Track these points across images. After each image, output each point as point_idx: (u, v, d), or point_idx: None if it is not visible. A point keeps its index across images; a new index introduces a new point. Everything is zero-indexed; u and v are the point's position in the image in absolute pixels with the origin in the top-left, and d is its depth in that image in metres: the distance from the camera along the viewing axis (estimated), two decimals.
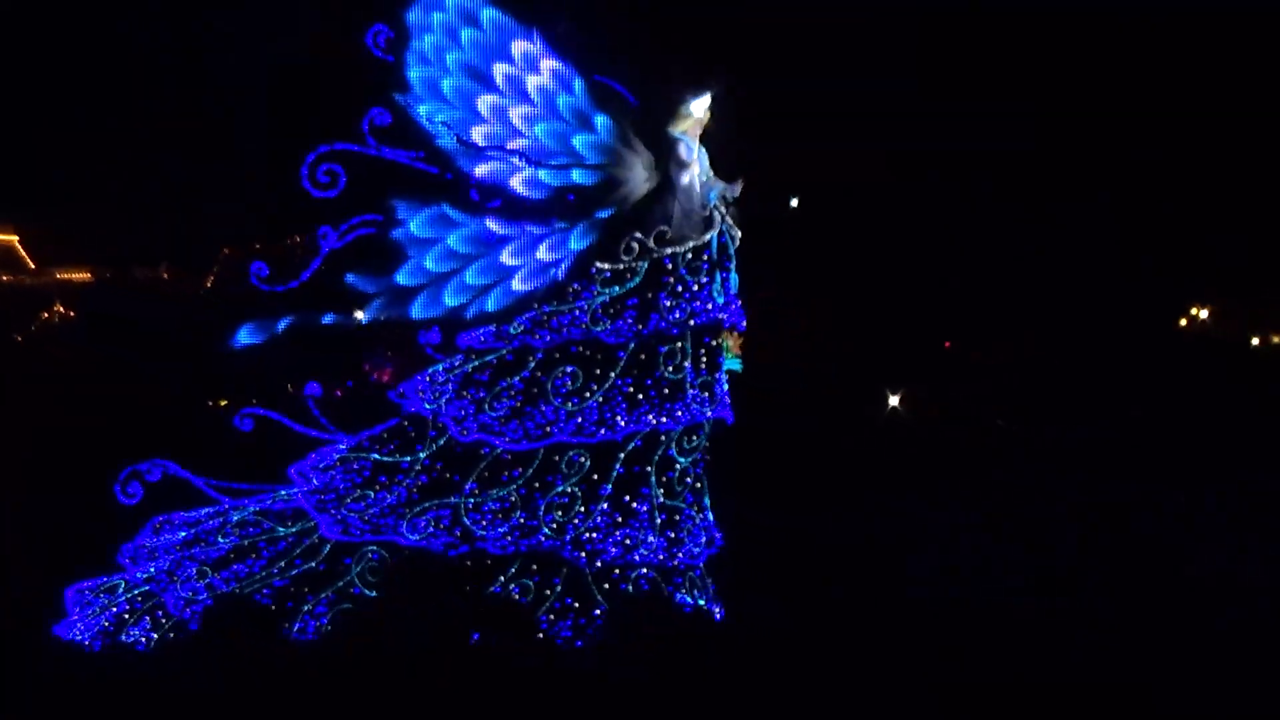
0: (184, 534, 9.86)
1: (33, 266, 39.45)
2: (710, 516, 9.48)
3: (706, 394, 9.17)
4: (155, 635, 9.59)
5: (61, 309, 34.93)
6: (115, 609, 9.71)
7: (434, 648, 8.83)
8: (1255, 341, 37.40)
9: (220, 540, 9.67)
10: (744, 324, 9.28)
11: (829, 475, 16.33)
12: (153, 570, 9.64)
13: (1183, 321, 36.61)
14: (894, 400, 24.61)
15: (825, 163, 24.57)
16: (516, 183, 9.09)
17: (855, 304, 26.22)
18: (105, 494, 10.07)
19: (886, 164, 26.35)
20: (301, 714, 8.52)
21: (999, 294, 27.65)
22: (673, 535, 9.15)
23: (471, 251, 9.15)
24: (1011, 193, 27.89)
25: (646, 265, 9.03)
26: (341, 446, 9.72)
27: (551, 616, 9.06)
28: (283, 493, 9.96)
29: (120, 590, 9.80)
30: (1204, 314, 37.99)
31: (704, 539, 9.38)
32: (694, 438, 9.26)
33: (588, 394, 8.99)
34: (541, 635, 9.00)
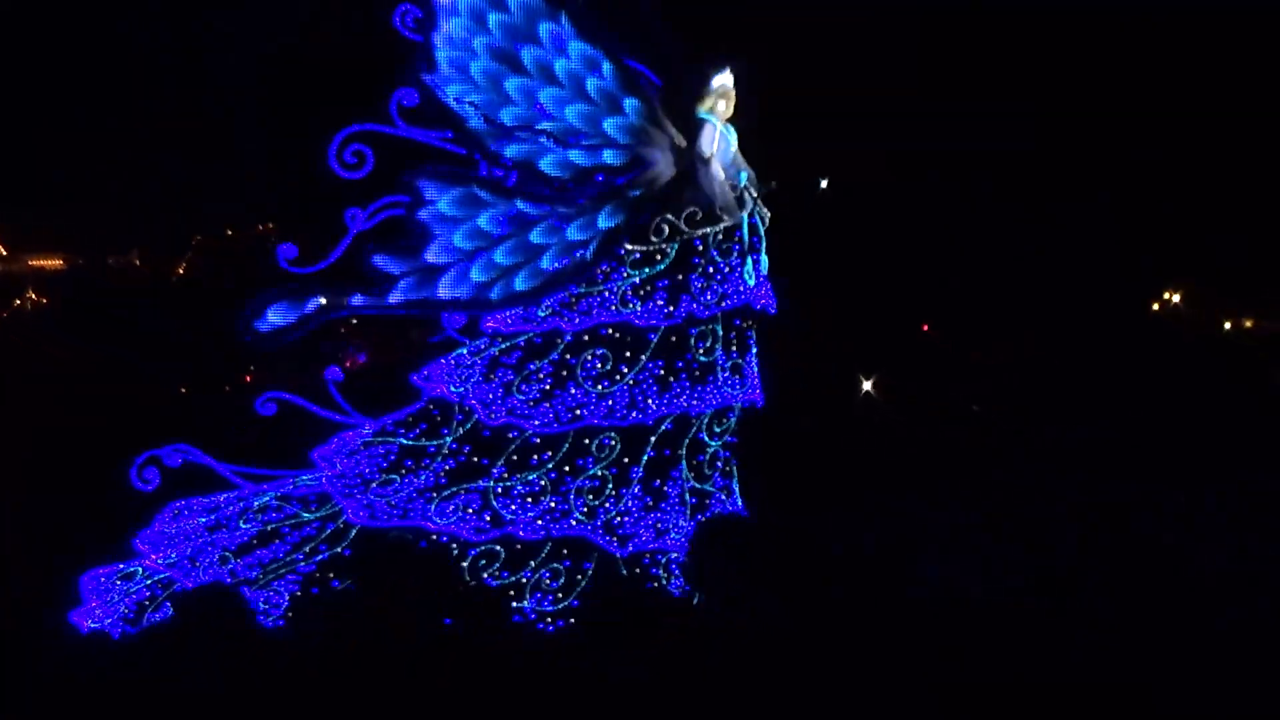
0: (203, 520, 9.75)
1: (4, 253, 39.05)
2: (739, 501, 9.42)
3: (737, 376, 9.10)
4: (177, 622, 9.47)
5: (34, 296, 34.68)
6: (135, 595, 9.59)
7: (433, 645, 8.75)
8: (1227, 325, 37.56)
9: (242, 525, 9.56)
10: (775, 307, 9.21)
11: (828, 475, 16.27)
12: (174, 556, 9.51)
13: (1155, 306, 36.80)
14: (867, 385, 24.65)
15: (826, 163, 24.56)
16: (546, 164, 9.03)
17: (855, 304, 26.21)
18: (107, 483, 9.98)
19: (887, 164, 26.36)
20: (298, 712, 8.42)
21: (999, 294, 27.67)
22: (702, 519, 9.07)
23: (500, 232, 9.07)
24: (1012, 192, 27.91)
25: (677, 247, 8.96)
26: (365, 431, 9.64)
27: (578, 601, 8.97)
28: (303, 477, 9.87)
29: (138, 577, 9.68)
30: (1175, 298, 38.17)
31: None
32: (724, 421, 9.20)
33: (618, 376, 8.92)
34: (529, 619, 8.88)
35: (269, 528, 9.52)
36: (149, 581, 9.64)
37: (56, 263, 38.59)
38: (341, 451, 9.52)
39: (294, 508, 9.60)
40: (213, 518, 9.74)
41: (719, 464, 9.24)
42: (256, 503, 9.70)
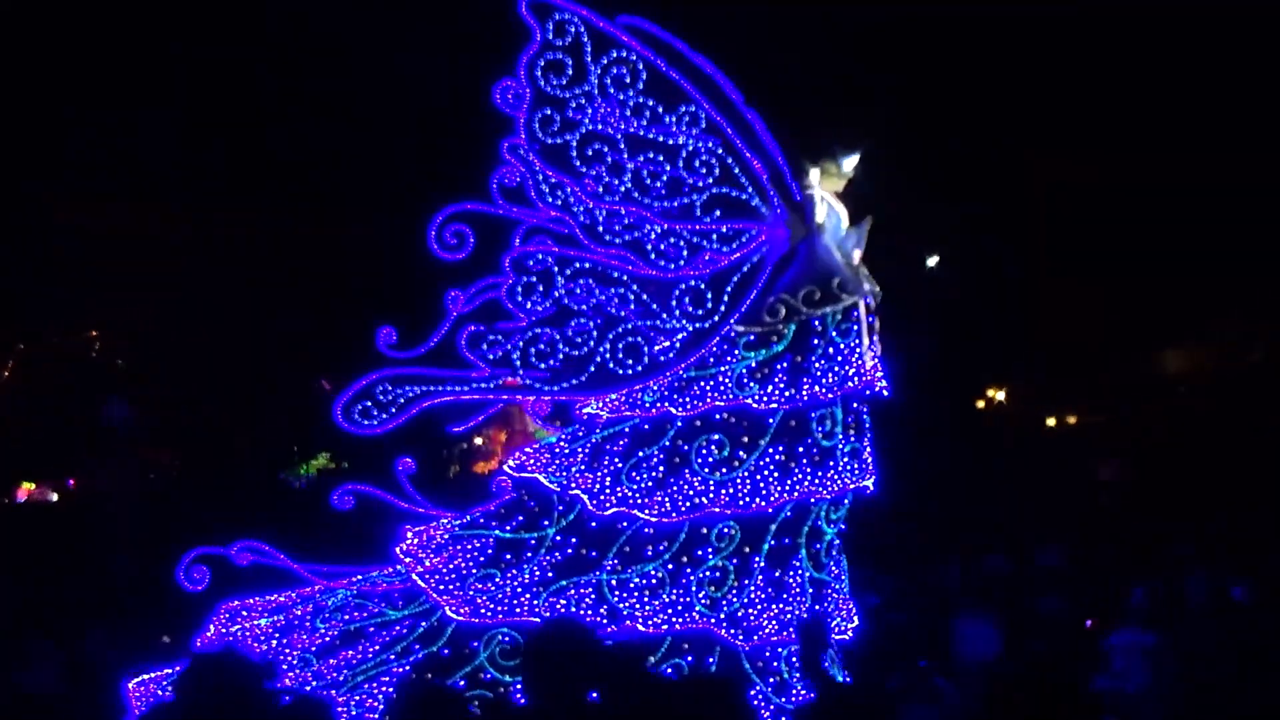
0: (266, 620, 9.16)
1: None
2: (848, 589, 9.09)
3: (854, 462, 8.82)
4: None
5: None
6: None
7: None
8: (1051, 422, 38.25)
9: (319, 625, 8.97)
10: (890, 391, 8.97)
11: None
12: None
13: (980, 404, 37.48)
14: None
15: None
16: (652, 243, 8.77)
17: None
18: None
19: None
20: None
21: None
22: (819, 609, 8.72)
23: (604, 313, 8.80)
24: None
25: (794, 328, 8.70)
26: (447, 523, 9.18)
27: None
28: (375, 573, 9.36)
29: None
30: (1000, 395, 38.88)
31: (846, 612, 8.99)
32: (839, 508, 8.89)
33: (736, 463, 8.58)
34: None
35: (352, 628, 8.94)
36: None
37: None
38: (426, 546, 9.04)
39: (378, 606, 9.04)
40: (278, 619, 9.15)
41: (834, 553, 8.91)
42: (331, 601, 9.14)
